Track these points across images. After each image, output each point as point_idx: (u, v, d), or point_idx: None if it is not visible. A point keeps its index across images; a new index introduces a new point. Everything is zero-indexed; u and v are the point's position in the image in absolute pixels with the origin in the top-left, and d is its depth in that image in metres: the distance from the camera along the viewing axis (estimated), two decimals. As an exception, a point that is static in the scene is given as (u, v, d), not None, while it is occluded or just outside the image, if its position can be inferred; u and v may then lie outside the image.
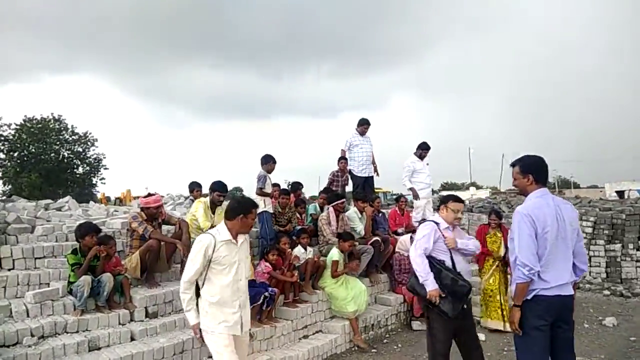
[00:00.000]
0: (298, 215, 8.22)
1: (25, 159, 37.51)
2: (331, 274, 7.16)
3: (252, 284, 6.36)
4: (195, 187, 8.41)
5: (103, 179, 39.94)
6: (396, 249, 8.43)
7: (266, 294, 6.18)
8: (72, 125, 39.42)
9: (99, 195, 32.53)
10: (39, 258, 6.05)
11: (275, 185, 8.39)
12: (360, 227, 8.22)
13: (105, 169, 40.30)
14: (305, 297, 7.04)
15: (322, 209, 8.50)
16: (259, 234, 7.65)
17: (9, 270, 5.83)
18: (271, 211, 7.61)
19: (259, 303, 6.15)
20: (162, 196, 6.31)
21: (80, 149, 39.74)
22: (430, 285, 4.46)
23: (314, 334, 6.90)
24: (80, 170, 40.02)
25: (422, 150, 9.76)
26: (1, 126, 36.39)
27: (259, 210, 7.50)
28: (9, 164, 36.94)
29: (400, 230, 8.98)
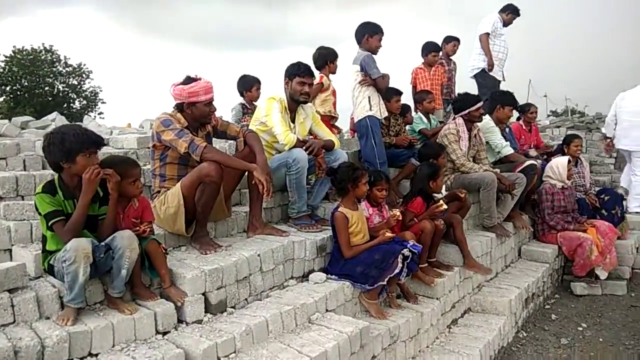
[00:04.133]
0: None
1: (19, 93, 33.88)
2: None
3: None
4: (253, 84, 5.23)
5: (101, 113, 36.35)
6: (543, 178, 5.50)
7: (405, 251, 3.28)
8: (64, 57, 35.42)
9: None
10: (-10, 201, 3.05)
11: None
12: (502, 143, 5.22)
13: (103, 102, 36.68)
14: (444, 255, 4.16)
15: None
16: (360, 155, 4.68)
17: None
18: (379, 117, 4.55)
19: (396, 272, 3.27)
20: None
21: (75, 82, 35.93)
22: None
23: (463, 315, 4.09)
24: (77, 104, 36.37)
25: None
26: (-11, 57, 32.39)
27: (362, 114, 4.48)
28: (1, 98, 33.25)
29: (532, 152, 6.00)
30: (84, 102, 36.21)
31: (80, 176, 2.50)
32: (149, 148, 3.47)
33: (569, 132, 8.36)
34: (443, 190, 4.27)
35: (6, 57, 33.93)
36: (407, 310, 3.45)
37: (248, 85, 5.13)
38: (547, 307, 4.96)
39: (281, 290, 3.16)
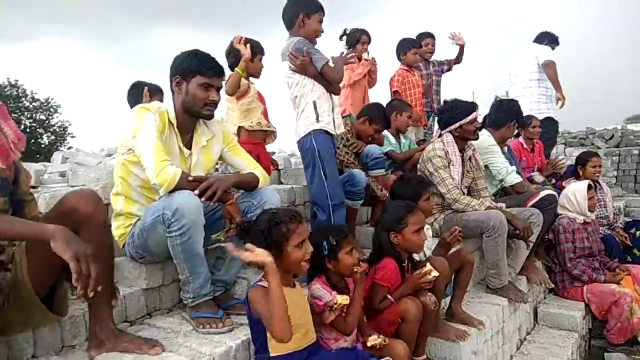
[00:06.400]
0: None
1: (-17, 129, 32.16)
2: None
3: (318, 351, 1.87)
4: (154, 93, 3.31)
5: (70, 147, 34.61)
6: (558, 210, 4.01)
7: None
8: (31, 92, 34.09)
9: (66, 166, 27.42)
10: None
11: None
12: (507, 167, 3.71)
13: (72, 137, 35.14)
14: (436, 348, 2.59)
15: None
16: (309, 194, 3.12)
17: None
18: (331, 131, 2.93)
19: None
20: None
21: (44, 117, 34.39)
22: None
23: None
24: (45, 139, 34.71)
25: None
26: (-52, 93, 30.67)
27: (307, 128, 2.93)
28: (-36, 136, 31.38)
29: (537, 177, 4.52)
30: (52, 137, 34.45)
31: None
32: None
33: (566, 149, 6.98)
34: (428, 243, 2.73)
35: (-31, 93, 32.34)
36: None
37: (142, 96, 3.38)
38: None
39: None
